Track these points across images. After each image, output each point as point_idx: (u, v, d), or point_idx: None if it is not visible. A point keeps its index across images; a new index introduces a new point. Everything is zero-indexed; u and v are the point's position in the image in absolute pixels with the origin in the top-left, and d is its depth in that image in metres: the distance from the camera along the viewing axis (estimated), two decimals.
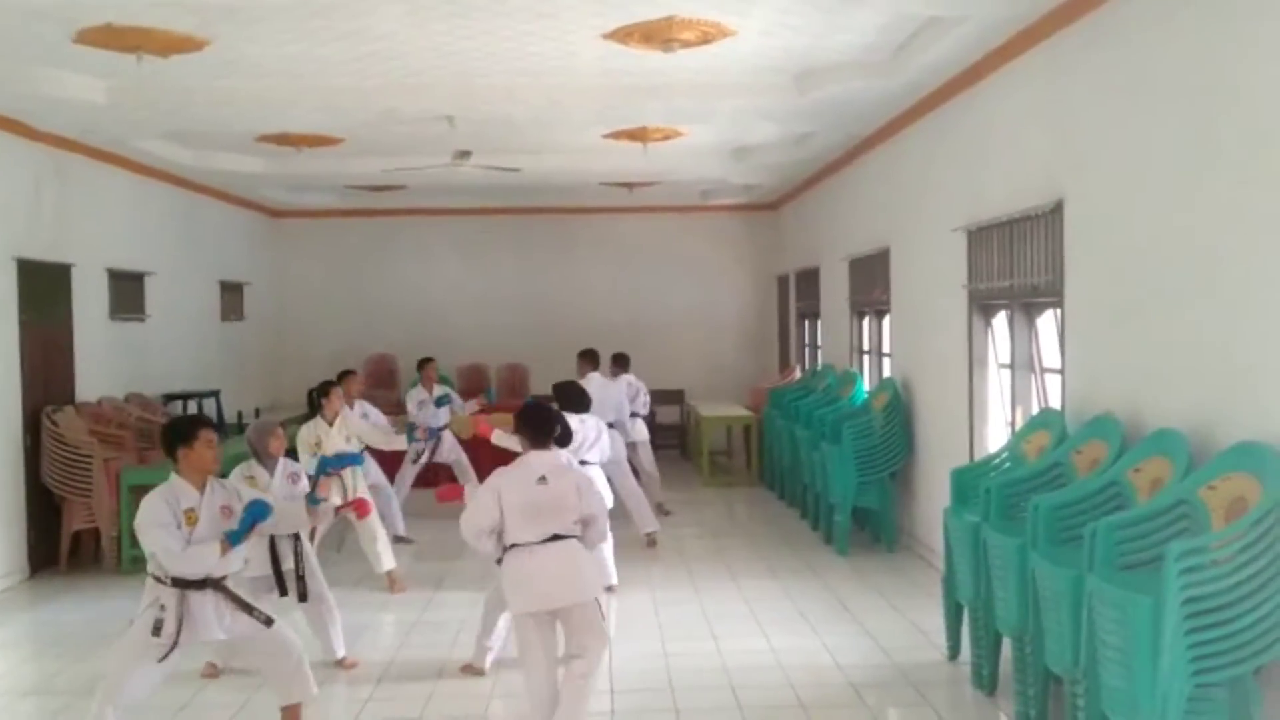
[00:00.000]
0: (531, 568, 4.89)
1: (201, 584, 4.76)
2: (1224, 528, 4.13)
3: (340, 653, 6.35)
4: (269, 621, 4.93)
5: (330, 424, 8.25)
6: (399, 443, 9.07)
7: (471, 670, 6.14)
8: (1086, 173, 5.95)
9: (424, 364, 10.89)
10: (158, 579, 4.75)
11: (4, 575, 8.39)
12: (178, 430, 4.96)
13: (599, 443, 7.85)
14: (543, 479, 4.95)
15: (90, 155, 10.04)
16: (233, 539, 4.81)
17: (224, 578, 4.86)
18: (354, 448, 8.29)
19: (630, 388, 10.95)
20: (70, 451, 8.81)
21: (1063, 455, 5.63)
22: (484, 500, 4.95)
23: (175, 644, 4.70)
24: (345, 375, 9.39)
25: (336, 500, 8.02)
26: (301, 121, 9.47)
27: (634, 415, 10.91)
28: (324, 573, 6.45)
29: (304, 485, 6.25)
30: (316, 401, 8.38)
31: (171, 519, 4.72)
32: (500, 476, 5.00)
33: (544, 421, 5.16)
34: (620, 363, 11.30)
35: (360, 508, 6.92)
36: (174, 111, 8.80)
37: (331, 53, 7.27)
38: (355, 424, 8.51)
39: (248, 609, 4.91)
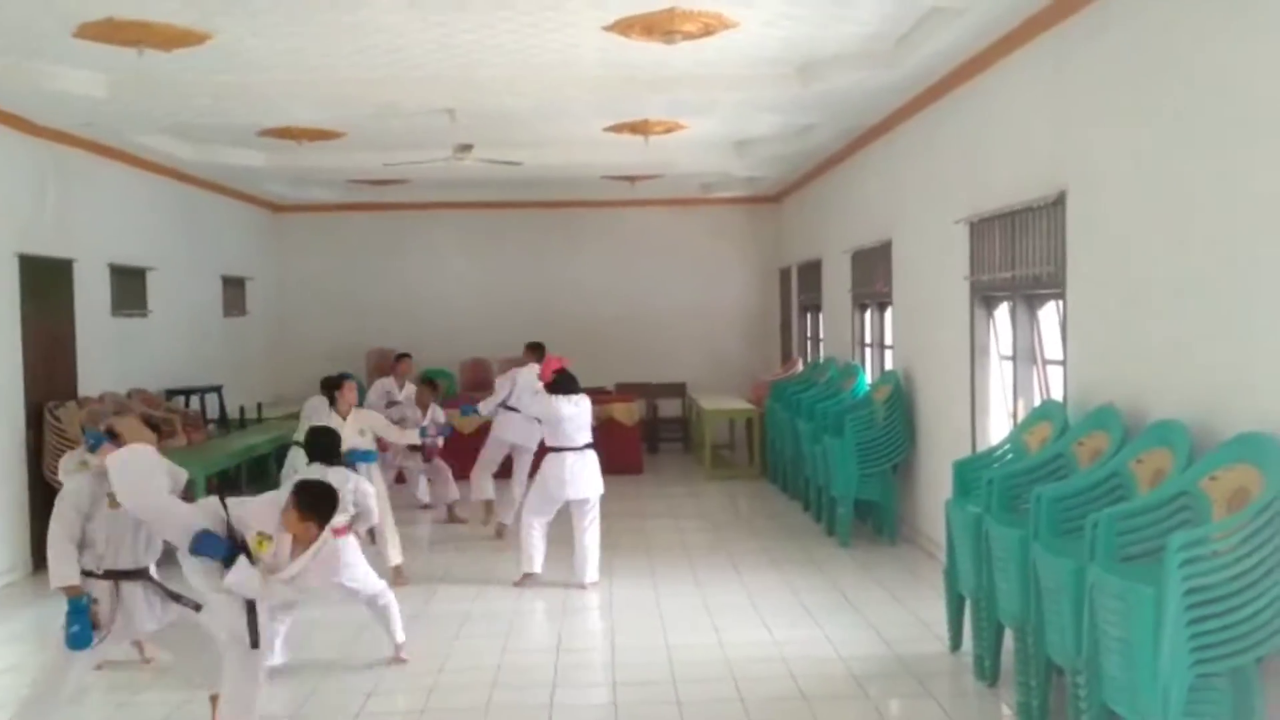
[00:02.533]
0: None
1: (132, 574, 4.85)
2: (1225, 518, 4.13)
3: (399, 638, 6.30)
4: (198, 608, 4.99)
5: (344, 417, 8.17)
6: (410, 437, 9.07)
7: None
8: (1089, 164, 5.93)
9: (398, 360, 10.86)
10: (88, 573, 4.79)
11: (7, 570, 8.42)
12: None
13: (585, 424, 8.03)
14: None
15: (91, 150, 10.04)
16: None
17: (148, 567, 4.94)
18: (367, 442, 8.23)
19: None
20: (73, 447, 8.78)
21: (1065, 447, 5.62)
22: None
23: (108, 634, 4.78)
24: (401, 358, 10.48)
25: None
26: (303, 115, 9.47)
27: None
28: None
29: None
30: (330, 394, 8.37)
31: (88, 504, 4.78)
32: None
33: None
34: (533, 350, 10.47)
35: (429, 452, 7.68)
36: (176, 105, 8.80)
37: (333, 46, 7.27)
38: (368, 417, 8.43)
39: (176, 597, 4.99)
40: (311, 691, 5.86)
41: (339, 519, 7.29)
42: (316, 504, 4.66)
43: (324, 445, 6.59)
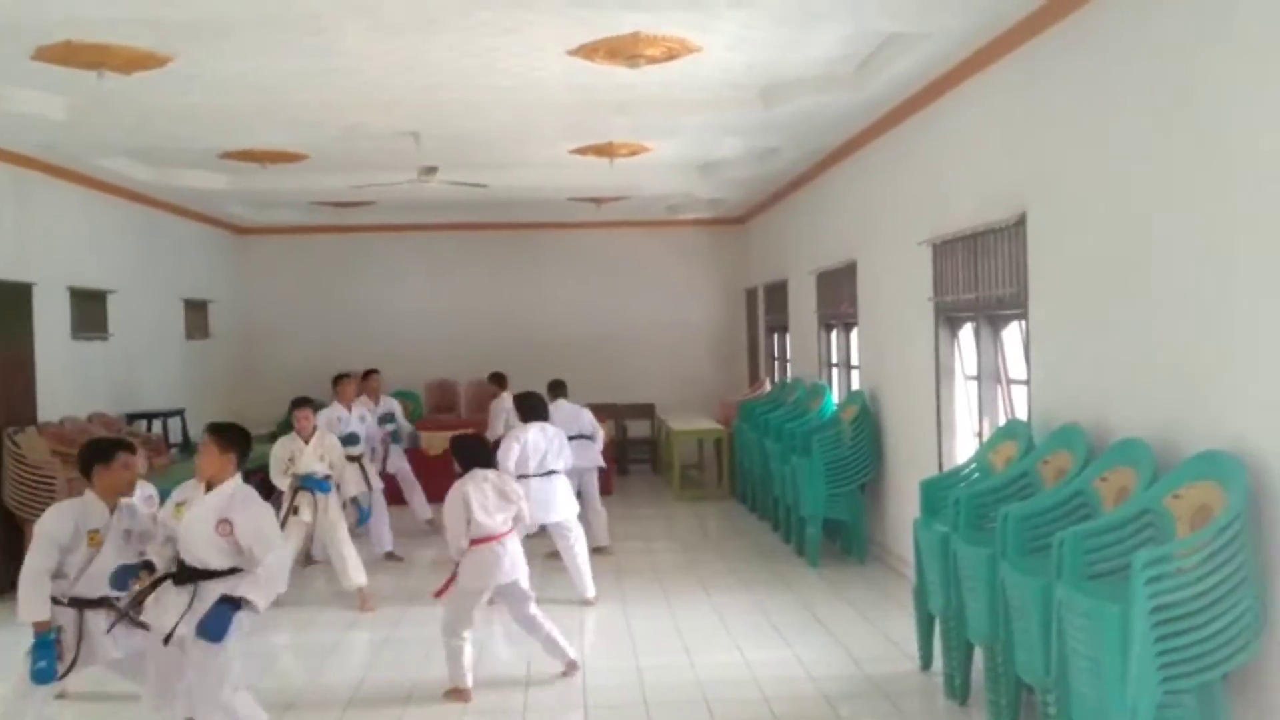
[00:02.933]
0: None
1: (97, 603, 4.79)
2: (1189, 536, 4.17)
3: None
4: (167, 640, 4.90)
5: (305, 442, 8.19)
6: (354, 451, 9.06)
7: (457, 696, 6.02)
8: (1049, 185, 6.01)
9: (366, 377, 10.80)
10: (54, 600, 4.73)
11: None
12: (97, 449, 4.96)
13: (563, 452, 8.14)
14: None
15: (50, 173, 9.92)
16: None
17: (117, 597, 4.86)
18: (326, 468, 8.20)
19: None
20: (32, 473, 8.67)
21: (1030, 465, 5.67)
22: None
23: (74, 664, 4.72)
24: (340, 379, 9.94)
25: (307, 516, 8.02)
26: (265, 138, 9.41)
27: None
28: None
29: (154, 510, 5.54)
30: (290, 418, 8.34)
31: (68, 539, 4.73)
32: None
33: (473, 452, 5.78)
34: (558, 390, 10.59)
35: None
36: (136, 128, 8.72)
37: (295, 68, 7.22)
38: (329, 444, 8.39)
39: (143, 626, 4.91)
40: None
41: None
42: (235, 440, 4.88)
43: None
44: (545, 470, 7.95)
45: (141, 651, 4.93)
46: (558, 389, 10.06)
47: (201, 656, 4.64)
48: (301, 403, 8.42)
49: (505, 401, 10.65)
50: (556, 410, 9.47)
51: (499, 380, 11.83)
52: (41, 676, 4.60)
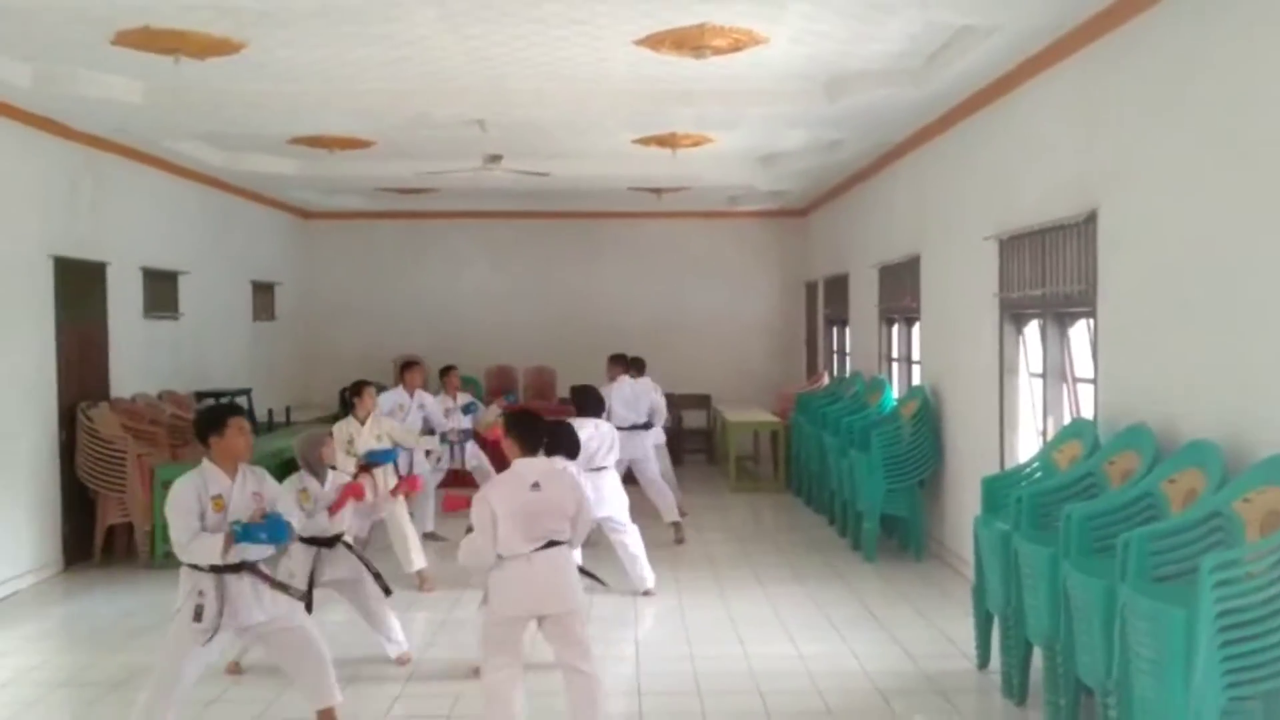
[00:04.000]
0: (526, 573, 4.86)
1: (237, 567, 4.82)
2: (1259, 540, 4.09)
3: (403, 646, 6.44)
4: (304, 597, 5.01)
5: (362, 423, 8.34)
6: (428, 443, 9.16)
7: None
8: (1121, 182, 5.91)
9: (445, 372, 10.72)
10: (194, 566, 4.81)
11: (39, 568, 8.51)
12: (209, 418, 5.04)
13: (613, 448, 8.15)
14: (535, 485, 4.93)
15: (126, 155, 10.17)
16: (239, 536, 4.78)
17: (257, 561, 4.91)
18: (385, 446, 8.35)
19: (653, 387, 10.81)
20: (105, 447, 8.92)
21: (1095, 465, 5.59)
22: (482, 519, 4.86)
23: (218, 628, 4.77)
24: (409, 365, 9.99)
25: (370, 497, 8.13)
26: (333, 124, 9.56)
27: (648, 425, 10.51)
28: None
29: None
30: (349, 401, 8.46)
31: (196, 506, 4.78)
32: (490, 489, 4.97)
33: (533, 428, 5.15)
34: (637, 366, 11.03)
35: (410, 485, 7.42)
36: (208, 113, 8.90)
37: (364, 56, 7.33)
38: (386, 424, 8.58)
39: (283, 588, 4.98)
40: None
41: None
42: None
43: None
44: (594, 467, 7.96)
45: (284, 617, 4.99)
46: (618, 363, 10.13)
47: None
48: (361, 385, 8.57)
49: (622, 386, 10.21)
50: (618, 389, 9.56)
51: (619, 362, 10.74)
52: (277, 530, 4.81)
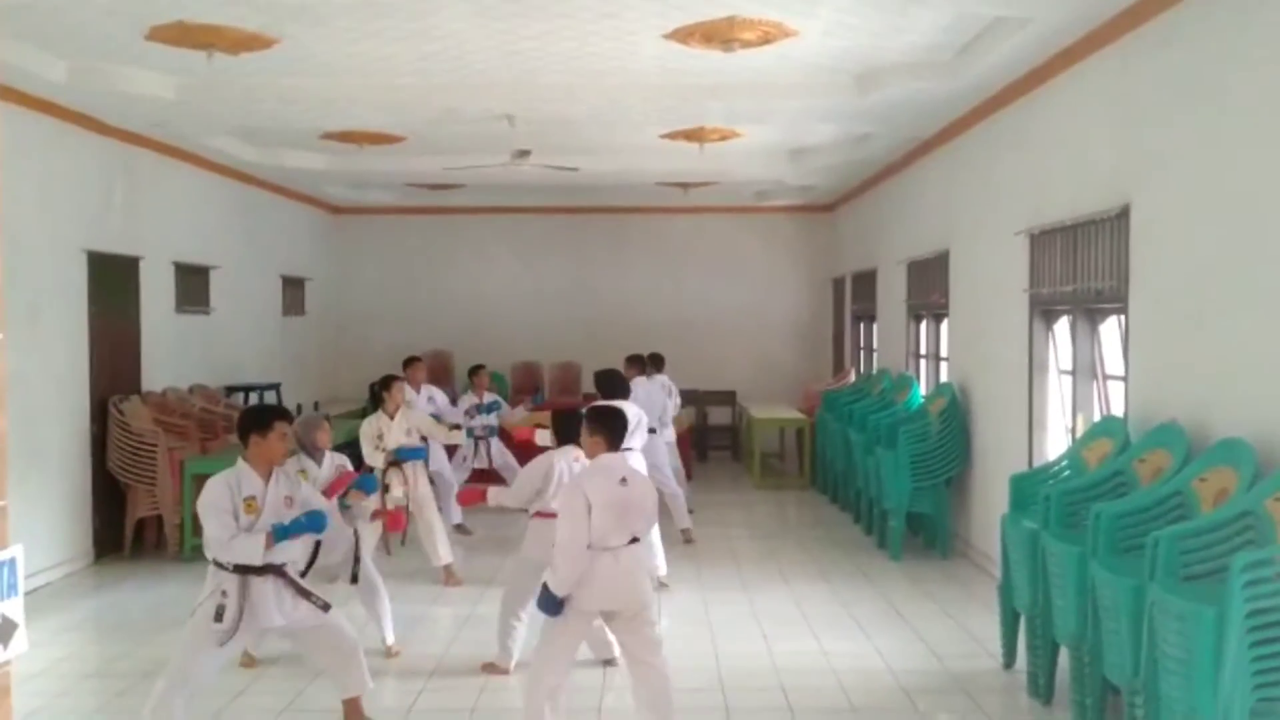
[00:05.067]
0: (614, 569, 4.80)
1: (262, 570, 4.83)
2: None
3: (390, 640, 6.44)
4: (326, 607, 5.01)
5: (391, 417, 8.33)
6: (456, 437, 9.18)
7: (494, 670, 6.15)
8: (1153, 177, 5.84)
9: (475, 371, 10.74)
10: (219, 565, 4.83)
11: (69, 560, 8.61)
12: (255, 418, 5.04)
13: (639, 429, 8.04)
14: (624, 480, 4.87)
15: (159, 150, 10.27)
16: (278, 535, 4.82)
17: (284, 564, 4.93)
18: (414, 440, 8.36)
19: (664, 388, 10.59)
20: (135, 440, 9.02)
21: (1125, 464, 5.54)
22: (576, 511, 4.76)
23: (237, 629, 4.78)
24: (411, 362, 9.95)
25: (398, 492, 8.14)
26: (365, 120, 9.61)
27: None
28: (378, 566, 6.56)
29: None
30: (378, 395, 8.49)
31: (230, 505, 4.79)
32: (584, 482, 4.88)
33: (619, 423, 5.09)
34: (656, 363, 10.85)
35: (393, 522, 7.20)
36: (241, 109, 8.97)
37: (396, 52, 7.37)
38: (415, 417, 8.56)
39: (306, 595, 4.98)
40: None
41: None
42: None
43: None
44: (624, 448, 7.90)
45: (305, 621, 4.99)
46: (634, 364, 10.10)
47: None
48: (390, 379, 8.58)
49: (637, 387, 9.75)
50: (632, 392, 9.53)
51: (636, 364, 10.43)
52: (315, 520, 4.92)
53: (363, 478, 6.05)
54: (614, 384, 8.19)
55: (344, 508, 5.66)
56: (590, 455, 5.07)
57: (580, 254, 16.36)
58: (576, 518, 4.73)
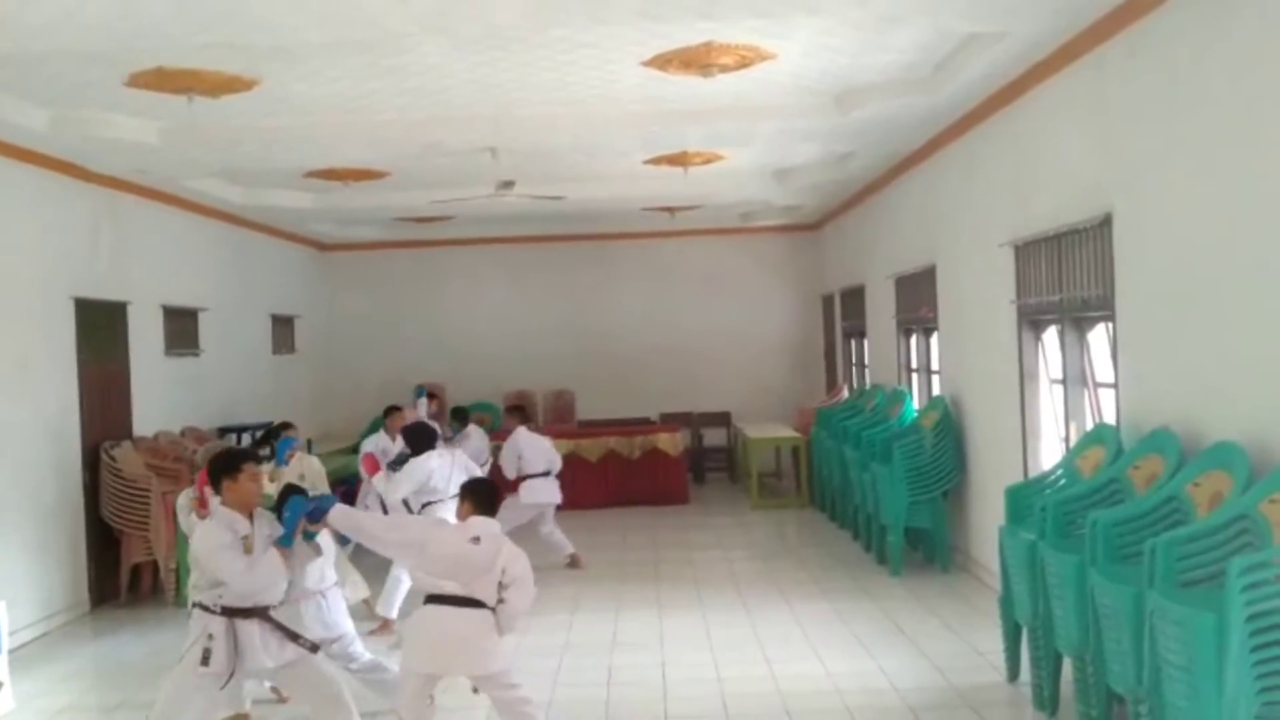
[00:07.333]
0: (442, 629, 4.94)
1: (248, 612, 4.84)
2: None
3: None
4: (314, 649, 5.00)
5: (393, 440, 8.37)
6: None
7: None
8: (1135, 184, 5.88)
9: (389, 413, 10.07)
10: (205, 608, 4.84)
11: (66, 609, 8.55)
12: (223, 461, 5.07)
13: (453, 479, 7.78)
14: (476, 539, 5.03)
15: (144, 195, 10.28)
16: (284, 542, 4.86)
17: (268, 607, 4.93)
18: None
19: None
20: (128, 486, 8.97)
21: (1119, 471, 5.54)
22: (412, 532, 5.31)
23: (231, 670, 4.78)
24: (391, 411, 9.85)
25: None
26: (348, 156, 9.63)
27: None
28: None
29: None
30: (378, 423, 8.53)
31: (233, 542, 4.81)
32: (437, 524, 5.27)
33: (492, 494, 5.39)
34: (513, 414, 10.81)
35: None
36: (224, 150, 8.99)
37: (375, 88, 7.40)
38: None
39: (294, 637, 4.98)
40: None
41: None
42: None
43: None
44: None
45: (291, 663, 4.98)
46: (514, 414, 10.58)
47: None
48: (393, 409, 8.60)
49: (519, 437, 10.21)
50: (526, 438, 10.07)
51: (517, 414, 10.78)
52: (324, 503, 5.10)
53: (322, 497, 6.00)
54: (420, 436, 8.01)
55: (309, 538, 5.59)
56: (461, 519, 5.30)
57: (570, 281, 16.37)
58: (408, 533, 5.27)
